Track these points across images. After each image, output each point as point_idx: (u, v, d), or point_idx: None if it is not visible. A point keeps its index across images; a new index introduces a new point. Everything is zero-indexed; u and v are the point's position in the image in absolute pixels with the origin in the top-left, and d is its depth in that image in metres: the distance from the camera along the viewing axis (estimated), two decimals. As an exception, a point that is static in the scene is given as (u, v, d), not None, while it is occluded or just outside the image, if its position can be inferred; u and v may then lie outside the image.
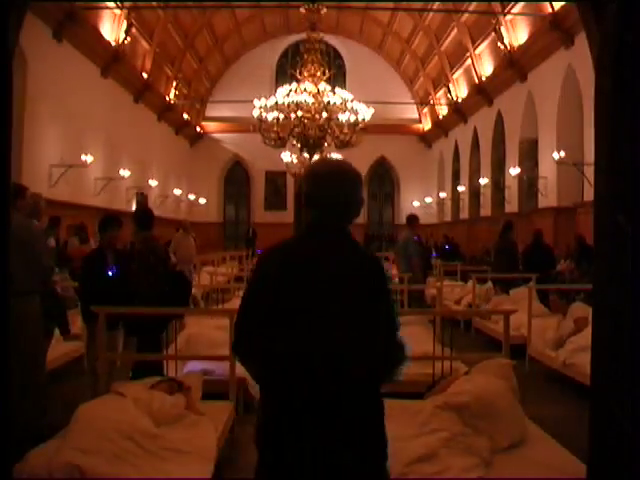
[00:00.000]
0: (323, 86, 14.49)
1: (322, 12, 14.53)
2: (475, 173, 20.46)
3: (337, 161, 2.25)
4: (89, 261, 5.23)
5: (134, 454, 3.10)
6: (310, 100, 14.12)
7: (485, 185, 19.23)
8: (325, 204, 2.02)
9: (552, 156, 13.65)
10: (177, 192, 23.13)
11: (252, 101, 14.88)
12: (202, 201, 25.84)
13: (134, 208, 17.19)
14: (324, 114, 14.25)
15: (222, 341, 5.22)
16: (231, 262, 17.07)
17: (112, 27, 15.53)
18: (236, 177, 27.62)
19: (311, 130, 14.43)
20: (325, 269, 1.94)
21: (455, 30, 19.27)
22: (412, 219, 9.51)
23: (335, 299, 1.91)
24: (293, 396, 1.89)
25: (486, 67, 18.33)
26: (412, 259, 9.01)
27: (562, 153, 13.15)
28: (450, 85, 21.39)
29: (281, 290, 1.92)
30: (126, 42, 16.08)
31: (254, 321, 1.94)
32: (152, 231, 5.54)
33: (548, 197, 14.59)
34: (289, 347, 1.89)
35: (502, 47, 16.23)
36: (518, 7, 15.02)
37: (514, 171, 16.17)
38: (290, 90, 14.53)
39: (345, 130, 14.61)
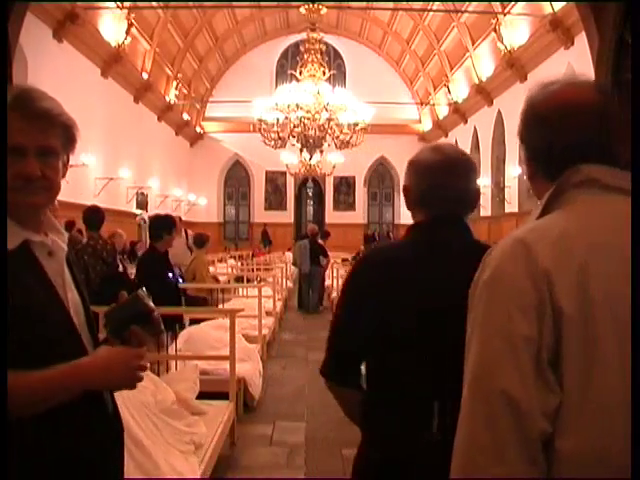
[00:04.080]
0: (323, 86, 14.50)
1: (322, 12, 14.56)
2: (475, 173, 20.46)
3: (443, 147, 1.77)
4: None
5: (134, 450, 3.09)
6: (310, 100, 14.13)
7: (485, 185, 19.23)
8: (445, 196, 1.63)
9: (552, 156, 13.65)
10: (177, 192, 23.14)
11: (252, 101, 14.89)
12: (202, 201, 25.84)
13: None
14: (324, 114, 14.26)
15: (222, 340, 5.22)
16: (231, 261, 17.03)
17: (112, 27, 15.54)
18: (236, 177, 27.64)
19: (311, 130, 14.44)
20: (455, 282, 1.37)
21: (455, 30, 19.28)
22: None
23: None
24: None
25: (486, 67, 18.33)
26: None
27: (562, 153, 13.15)
28: (450, 85, 21.40)
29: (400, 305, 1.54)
30: (126, 42, 16.09)
31: (355, 344, 1.61)
32: (98, 231, 5.67)
33: (548, 197, 14.59)
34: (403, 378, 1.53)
35: (502, 47, 16.24)
36: (518, 7, 15.02)
37: (514, 171, 16.17)
38: (290, 90, 14.55)
39: (345, 130, 14.63)
